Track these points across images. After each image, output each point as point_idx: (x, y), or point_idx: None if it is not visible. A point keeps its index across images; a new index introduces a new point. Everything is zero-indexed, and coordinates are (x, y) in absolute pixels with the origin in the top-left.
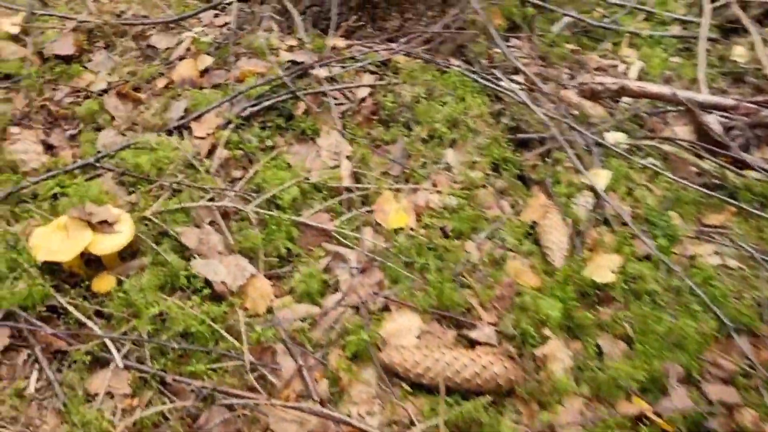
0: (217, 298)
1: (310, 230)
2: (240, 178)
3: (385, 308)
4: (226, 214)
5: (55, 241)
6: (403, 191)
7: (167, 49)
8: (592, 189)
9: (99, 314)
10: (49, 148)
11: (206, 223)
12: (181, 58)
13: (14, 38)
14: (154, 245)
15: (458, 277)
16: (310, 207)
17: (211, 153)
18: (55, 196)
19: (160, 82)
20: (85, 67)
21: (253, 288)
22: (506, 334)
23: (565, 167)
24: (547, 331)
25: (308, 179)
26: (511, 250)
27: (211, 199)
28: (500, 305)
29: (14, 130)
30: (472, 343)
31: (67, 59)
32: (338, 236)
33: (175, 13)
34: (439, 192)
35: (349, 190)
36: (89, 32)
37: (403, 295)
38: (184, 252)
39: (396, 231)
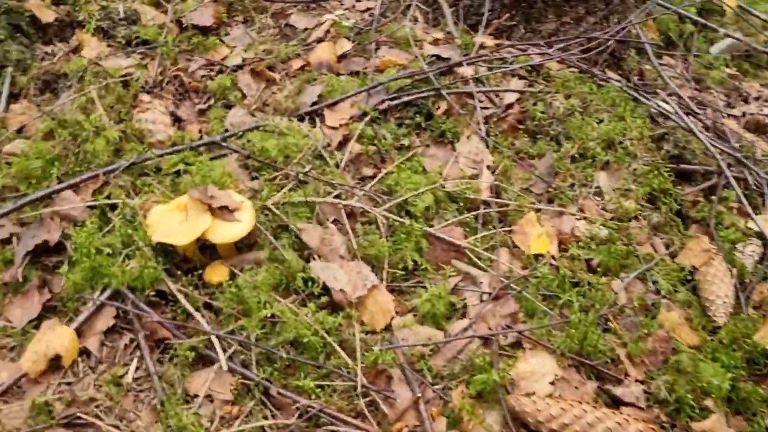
0: (333, 306)
1: (441, 244)
2: (371, 177)
3: (518, 344)
4: (351, 214)
5: (173, 222)
6: (545, 213)
7: (306, 29)
8: (761, 237)
9: (208, 306)
10: (177, 120)
11: (330, 222)
12: (319, 41)
13: (155, 4)
14: (272, 239)
15: (602, 319)
16: (443, 218)
17: (342, 145)
18: (178, 173)
19: (296, 64)
20: (222, 41)
21: (373, 300)
22: (657, 397)
23: (730, 208)
24: (708, 403)
25: (444, 187)
26: (665, 296)
27: (338, 196)
28: (651, 361)
29: (145, 98)
30: (615, 402)
31: (204, 30)
32: (471, 254)
33: None
34: (586, 219)
35: (487, 204)
36: (229, 5)
37: (539, 333)
38: (303, 250)
39: (536, 257)
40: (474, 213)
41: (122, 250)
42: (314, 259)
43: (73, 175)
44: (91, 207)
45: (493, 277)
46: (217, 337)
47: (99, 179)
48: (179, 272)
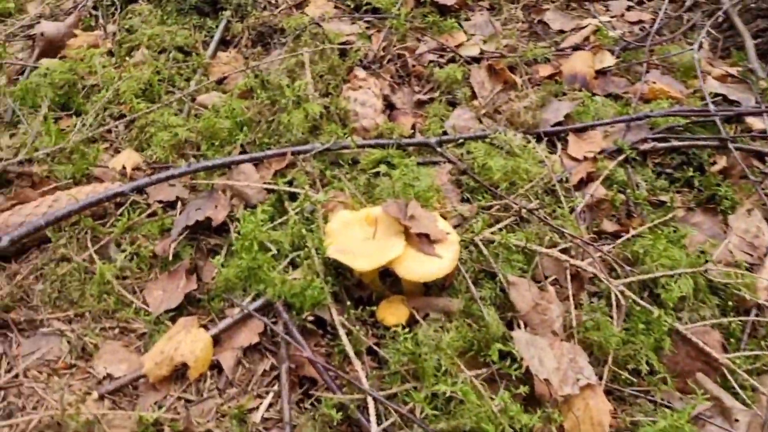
0: (531, 398)
1: (689, 349)
2: (611, 235)
3: None
4: (578, 278)
5: (357, 236)
6: None
7: (561, 31)
8: None
9: (372, 352)
10: (389, 107)
11: (548, 282)
12: (575, 48)
13: None
14: (472, 286)
15: None
16: (698, 314)
17: (582, 185)
18: (377, 173)
19: (543, 70)
20: (461, 25)
21: (584, 404)
22: None
23: None
24: None
25: (706, 272)
26: None
27: (565, 251)
28: None
29: (360, 73)
30: None
31: (443, 9)
32: (727, 374)
33: None
34: None
35: (761, 309)
36: None
37: None
38: (507, 311)
39: None
40: (742, 318)
41: (289, 252)
42: (519, 327)
43: (259, 147)
44: (268, 190)
45: (755, 418)
46: (375, 400)
47: (285, 158)
48: (348, 301)
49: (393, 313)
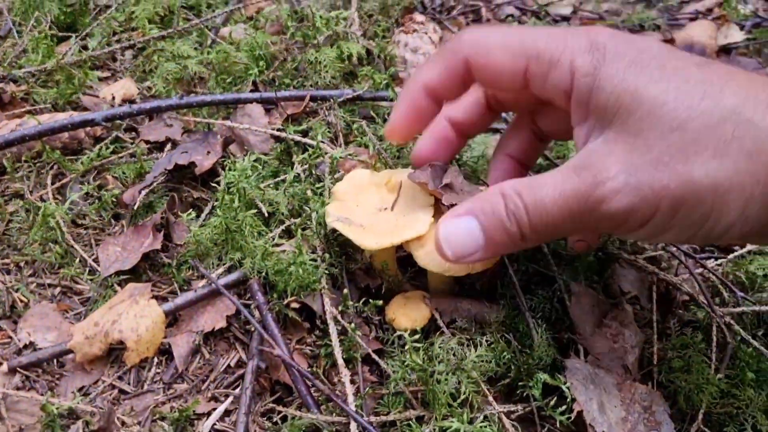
0: None
1: None
2: (721, 248)
3: None
4: (667, 297)
5: (370, 206)
6: None
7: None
8: None
9: (369, 361)
10: None
11: (625, 297)
12: (694, 18)
13: None
14: (519, 291)
15: None
16: None
17: None
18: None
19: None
20: None
21: None
22: None
23: None
24: None
25: None
26: None
27: (654, 259)
28: None
29: (418, 17)
30: None
31: None
32: None
33: None
34: None
35: None
36: None
37: None
38: (561, 330)
39: None
40: None
41: (286, 218)
42: (577, 354)
43: (278, 87)
44: (277, 138)
45: None
46: (362, 428)
47: (303, 103)
48: (349, 287)
49: (407, 313)
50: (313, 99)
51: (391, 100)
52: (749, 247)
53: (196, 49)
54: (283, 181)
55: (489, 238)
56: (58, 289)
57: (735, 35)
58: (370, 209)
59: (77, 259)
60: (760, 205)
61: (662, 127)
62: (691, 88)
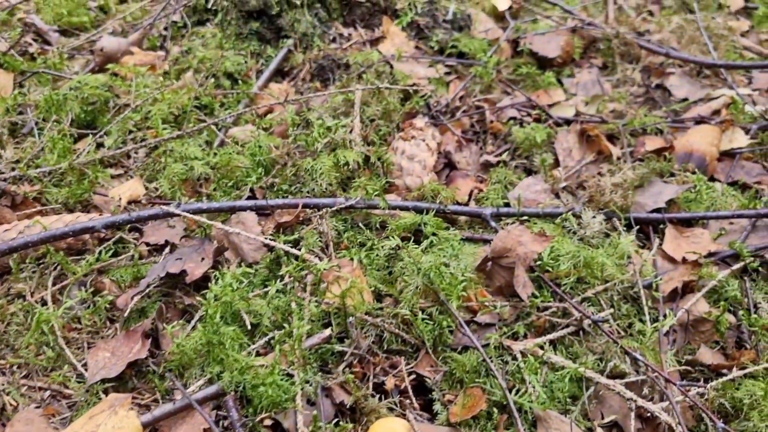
0: None
1: None
2: (710, 370)
3: None
4: (649, 425)
5: None
6: None
7: (685, 100)
8: None
9: None
10: (449, 166)
11: (598, 422)
12: (699, 121)
13: (499, 16)
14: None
15: None
16: None
17: (677, 295)
18: (416, 237)
19: (652, 143)
20: (560, 82)
21: None
22: None
23: None
24: None
25: None
26: None
27: (633, 385)
28: None
29: (418, 122)
30: None
31: (543, 62)
32: None
33: (718, 58)
34: None
35: None
36: (591, 41)
37: None
38: None
39: None
40: None
41: (269, 330)
42: None
43: (276, 194)
44: (269, 247)
45: None
46: None
47: (296, 211)
48: (324, 404)
49: None
50: (306, 207)
51: (384, 209)
52: (740, 370)
53: (203, 149)
54: (267, 293)
55: None
56: (48, 392)
57: (740, 139)
58: None
59: (67, 364)
60: None
61: None
62: None
